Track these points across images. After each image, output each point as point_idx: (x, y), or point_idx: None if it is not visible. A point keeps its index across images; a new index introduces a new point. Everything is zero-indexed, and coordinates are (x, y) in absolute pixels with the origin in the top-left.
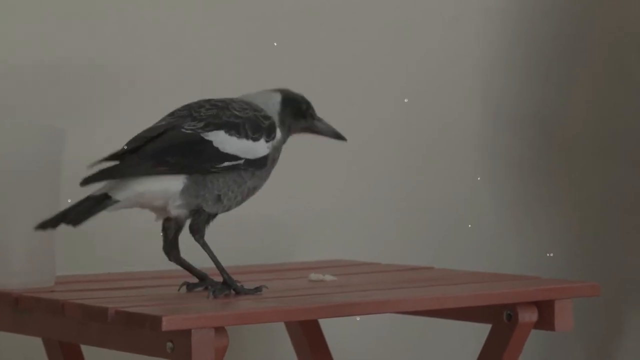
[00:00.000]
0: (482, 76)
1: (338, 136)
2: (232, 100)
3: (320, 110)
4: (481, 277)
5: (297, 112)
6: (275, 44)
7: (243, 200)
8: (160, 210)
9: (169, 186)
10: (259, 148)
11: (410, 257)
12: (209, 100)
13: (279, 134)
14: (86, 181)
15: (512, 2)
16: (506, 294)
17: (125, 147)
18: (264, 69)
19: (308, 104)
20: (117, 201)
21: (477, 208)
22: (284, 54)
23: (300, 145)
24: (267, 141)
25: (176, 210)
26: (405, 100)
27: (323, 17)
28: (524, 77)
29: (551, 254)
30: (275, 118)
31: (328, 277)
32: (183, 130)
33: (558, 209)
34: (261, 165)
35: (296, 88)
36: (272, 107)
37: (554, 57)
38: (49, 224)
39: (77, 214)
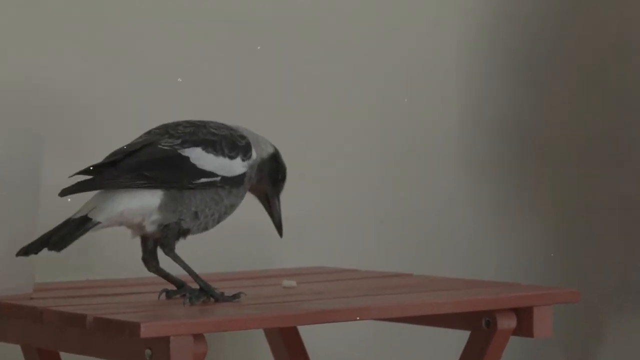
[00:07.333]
0: (461, 81)
1: (279, 227)
2: (209, 121)
3: (298, 119)
4: (460, 284)
5: (274, 174)
6: (258, 47)
7: (220, 219)
8: (136, 226)
9: (146, 202)
10: (236, 166)
11: (389, 264)
12: (185, 120)
13: (254, 154)
14: (64, 192)
15: (491, 7)
16: (485, 301)
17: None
18: (245, 73)
19: (285, 179)
20: (97, 222)
21: (456, 214)
22: (265, 58)
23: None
24: (243, 160)
25: (152, 226)
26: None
27: (298, 23)
28: (502, 81)
29: (532, 260)
30: (257, 161)
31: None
32: (160, 146)
33: (537, 214)
34: (238, 183)
35: (274, 92)
36: (260, 151)
37: (532, 61)
38: (31, 249)
39: (59, 239)
